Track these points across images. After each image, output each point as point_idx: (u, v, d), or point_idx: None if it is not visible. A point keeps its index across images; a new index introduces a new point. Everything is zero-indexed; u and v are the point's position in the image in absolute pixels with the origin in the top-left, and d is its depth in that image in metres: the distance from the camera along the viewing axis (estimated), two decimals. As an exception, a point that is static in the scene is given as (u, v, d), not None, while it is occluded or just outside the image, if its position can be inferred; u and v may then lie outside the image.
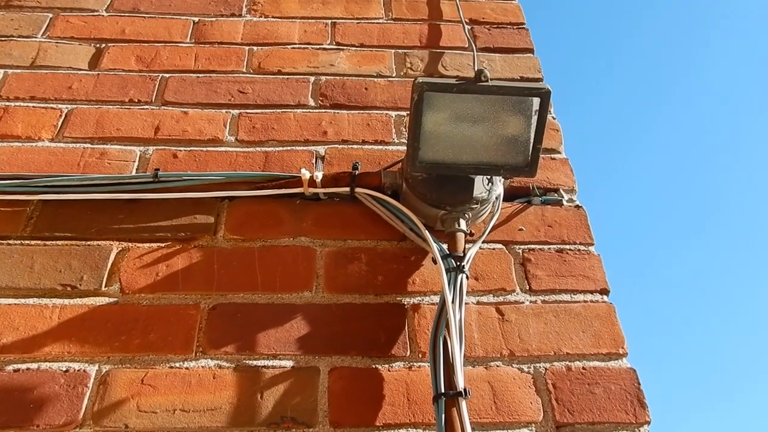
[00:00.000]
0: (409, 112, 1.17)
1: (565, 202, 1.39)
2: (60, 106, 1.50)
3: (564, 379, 1.11)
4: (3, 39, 1.65)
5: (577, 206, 1.39)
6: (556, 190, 1.41)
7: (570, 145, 1.52)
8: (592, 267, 1.28)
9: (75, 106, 1.50)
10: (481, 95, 1.12)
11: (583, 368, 1.13)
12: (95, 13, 1.74)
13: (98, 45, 1.66)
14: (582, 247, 1.31)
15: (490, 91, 1.11)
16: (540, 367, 1.13)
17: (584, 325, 1.19)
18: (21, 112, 1.47)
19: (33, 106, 1.49)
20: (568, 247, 1.31)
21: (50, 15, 1.72)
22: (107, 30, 1.70)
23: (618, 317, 1.21)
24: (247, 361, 1.10)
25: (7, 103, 1.49)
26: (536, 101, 1.13)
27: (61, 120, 1.46)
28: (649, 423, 1.07)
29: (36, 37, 1.66)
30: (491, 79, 1.10)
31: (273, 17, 1.78)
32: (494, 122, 1.16)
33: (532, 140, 1.16)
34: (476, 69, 1.11)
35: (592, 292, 1.24)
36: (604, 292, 1.25)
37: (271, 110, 1.52)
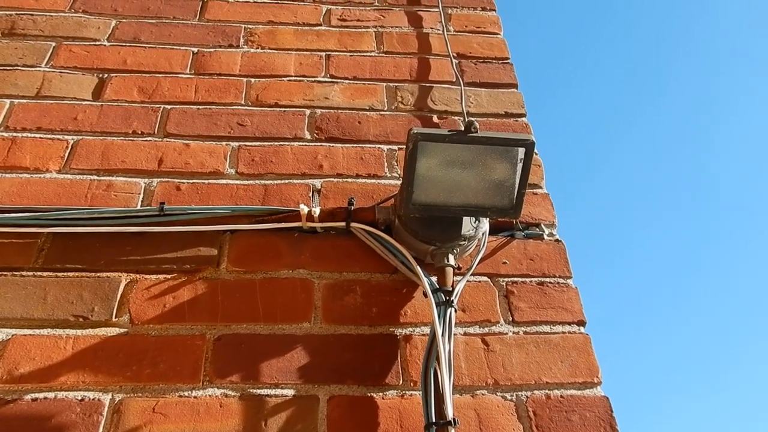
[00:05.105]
0: (404, 157, 1.26)
1: (545, 237, 1.49)
2: (66, 137, 1.56)
3: (543, 406, 1.21)
4: (7, 68, 1.70)
5: (557, 240, 1.49)
6: (538, 225, 1.51)
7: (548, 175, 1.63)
8: (570, 299, 1.38)
9: (81, 137, 1.56)
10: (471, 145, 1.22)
11: (561, 396, 1.23)
12: (97, 43, 1.80)
13: (101, 75, 1.72)
14: (561, 280, 1.42)
15: (480, 142, 1.21)
16: (522, 395, 1.23)
17: (562, 355, 1.29)
18: (29, 143, 1.53)
19: (40, 137, 1.55)
20: (548, 280, 1.41)
21: (53, 44, 1.78)
22: (109, 60, 1.76)
23: (593, 347, 1.31)
24: (251, 390, 1.18)
25: (15, 134, 1.55)
26: (521, 150, 1.23)
27: (67, 151, 1.53)
28: (620, 448, 1.17)
29: (40, 67, 1.72)
30: (480, 130, 1.20)
31: (270, 48, 1.86)
32: (482, 168, 1.26)
33: (517, 185, 1.26)
34: (467, 121, 1.20)
35: (570, 324, 1.34)
36: (581, 323, 1.35)
37: (269, 143, 1.60)
